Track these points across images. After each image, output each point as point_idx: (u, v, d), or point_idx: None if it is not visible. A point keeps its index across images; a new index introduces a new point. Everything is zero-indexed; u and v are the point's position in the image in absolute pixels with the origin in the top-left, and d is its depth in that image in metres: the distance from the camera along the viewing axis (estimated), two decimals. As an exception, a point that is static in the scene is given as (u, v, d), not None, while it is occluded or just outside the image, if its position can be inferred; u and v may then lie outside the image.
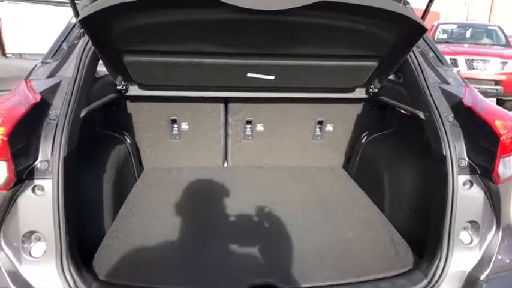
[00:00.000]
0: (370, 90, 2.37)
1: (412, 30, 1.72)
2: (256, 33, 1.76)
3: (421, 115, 1.85)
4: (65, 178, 1.46)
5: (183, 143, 2.72)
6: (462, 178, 1.64)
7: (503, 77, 7.53)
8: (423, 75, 1.90)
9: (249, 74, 2.13)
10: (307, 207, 2.34)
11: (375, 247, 1.95)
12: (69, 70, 1.73)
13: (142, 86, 2.30)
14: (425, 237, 1.81)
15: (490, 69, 7.62)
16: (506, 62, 7.63)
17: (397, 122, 2.49)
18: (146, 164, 2.77)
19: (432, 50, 2.05)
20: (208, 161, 2.85)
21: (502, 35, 9.49)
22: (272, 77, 2.16)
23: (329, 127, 2.74)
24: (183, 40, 1.81)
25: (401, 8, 1.59)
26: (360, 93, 2.45)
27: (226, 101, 2.55)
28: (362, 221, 2.19)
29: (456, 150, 1.66)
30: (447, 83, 1.91)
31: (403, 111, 2.21)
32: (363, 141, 2.64)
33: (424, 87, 1.86)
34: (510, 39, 9.43)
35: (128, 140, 2.48)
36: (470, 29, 10.02)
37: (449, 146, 1.66)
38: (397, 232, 2.07)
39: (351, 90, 2.44)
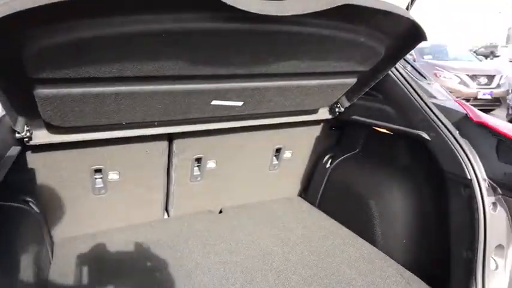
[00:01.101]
0: (337, 109, 2.12)
1: (408, 39, 1.51)
2: (242, 48, 1.33)
3: (425, 135, 1.66)
4: None
5: (110, 197, 2.02)
6: (488, 201, 1.50)
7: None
8: (415, 91, 1.73)
9: (213, 102, 1.65)
10: (284, 252, 1.94)
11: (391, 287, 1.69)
12: None
13: (54, 130, 1.58)
14: (441, 268, 1.62)
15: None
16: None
17: (363, 142, 2.29)
18: (61, 234, 1.96)
19: (409, 63, 1.91)
20: (144, 216, 2.20)
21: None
22: (240, 103, 1.72)
23: (287, 154, 2.39)
24: (136, 61, 1.25)
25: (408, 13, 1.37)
26: (323, 113, 2.18)
27: (170, 137, 1.98)
28: (357, 257, 1.90)
29: (480, 172, 1.50)
30: (434, 97, 1.78)
31: (381, 130, 2.01)
32: (328, 165, 2.37)
33: (421, 104, 1.69)
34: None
35: (36, 208, 1.68)
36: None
37: (473, 168, 1.50)
38: (400, 265, 1.85)
39: (315, 111, 2.15)
